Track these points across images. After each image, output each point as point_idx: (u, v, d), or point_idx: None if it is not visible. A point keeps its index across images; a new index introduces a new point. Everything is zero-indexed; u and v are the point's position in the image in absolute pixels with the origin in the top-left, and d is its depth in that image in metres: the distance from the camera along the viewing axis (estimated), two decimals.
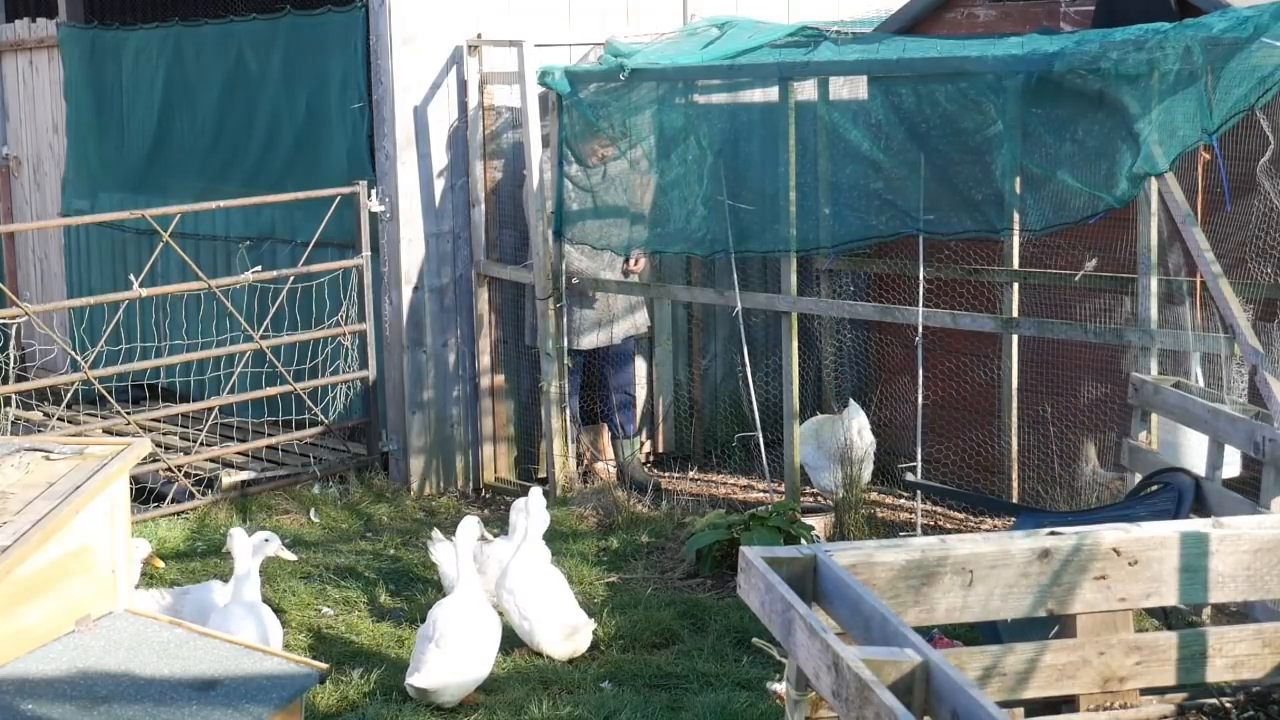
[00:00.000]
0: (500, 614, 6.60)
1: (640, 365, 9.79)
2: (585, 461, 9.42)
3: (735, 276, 8.48)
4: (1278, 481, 5.76)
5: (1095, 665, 4.16)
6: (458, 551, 6.51)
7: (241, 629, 6.05)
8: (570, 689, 6.34)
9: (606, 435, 9.58)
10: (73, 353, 8.94)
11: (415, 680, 6.13)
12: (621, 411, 9.36)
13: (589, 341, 9.20)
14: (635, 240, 8.98)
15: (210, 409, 9.66)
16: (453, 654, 6.17)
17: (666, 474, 9.46)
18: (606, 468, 9.43)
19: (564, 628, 6.68)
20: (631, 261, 9.17)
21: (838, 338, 8.99)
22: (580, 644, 6.73)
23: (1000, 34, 8.06)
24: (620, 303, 9.28)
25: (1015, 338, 7.84)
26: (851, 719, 3.19)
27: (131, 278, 8.82)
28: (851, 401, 8.36)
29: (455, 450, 9.47)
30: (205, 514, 8.81)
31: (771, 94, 8.32)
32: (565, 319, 9.04)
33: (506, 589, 6.75)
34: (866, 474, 8.20)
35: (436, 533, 7.29)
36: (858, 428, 8.21)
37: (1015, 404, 7.96)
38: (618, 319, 9.29)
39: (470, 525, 6.53)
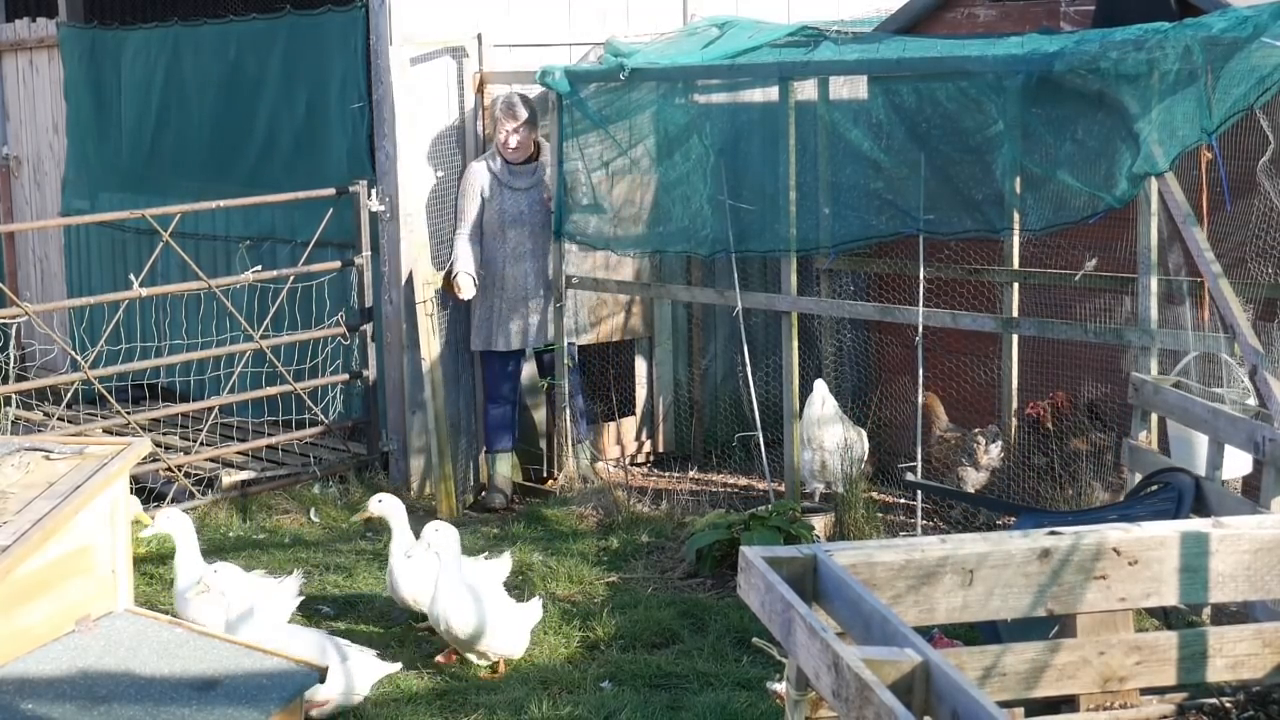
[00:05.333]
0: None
1: (640, 364, 9.79)
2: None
3: (736, 276, 8.48)
4: (1278, 481, 5.76)
5: (1095, 665, 4.17)
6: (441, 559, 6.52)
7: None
8: (570, 689, 6.34)
9: (607, 434, 9.58)
10: (73, 353, 8.94)
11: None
12: (496, 429, 9.22)
13: (478, 343, 9.16)
14: (635, 240, 8.97)
15: (210, 409, 9.66)
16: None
17: (666, 474, 9.46)
18: (606, 467, 9.42)
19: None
20: None
21: (838, 338, 8.98)
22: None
23: (1000, 34, 8.05)
24: (519, 306, 9.17)
25: (1015, 338, 7.84)
26: (851, 719, 3.19)
27: (131, 277, 8.81)
28: (818, 382, 8.38)
29: (455, 450, 9.45)
30: (205, 514, 8.80)
31: (772, 94, 8.32)
32: (565, 318, 9.06)
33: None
34: (833, 436, 8.22)
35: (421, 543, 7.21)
36: (820, 399, 8.25)
37: (1015, 404, 7.96)
38: (513, 324, 9.15)
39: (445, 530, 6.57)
